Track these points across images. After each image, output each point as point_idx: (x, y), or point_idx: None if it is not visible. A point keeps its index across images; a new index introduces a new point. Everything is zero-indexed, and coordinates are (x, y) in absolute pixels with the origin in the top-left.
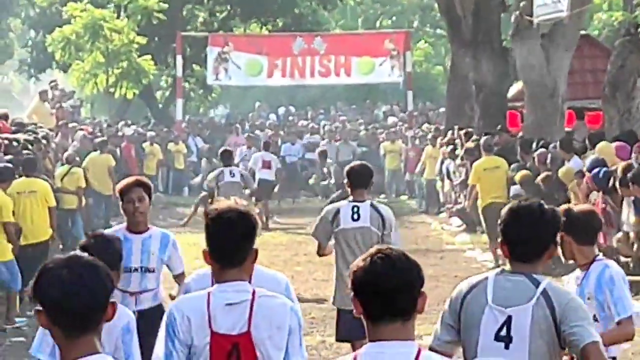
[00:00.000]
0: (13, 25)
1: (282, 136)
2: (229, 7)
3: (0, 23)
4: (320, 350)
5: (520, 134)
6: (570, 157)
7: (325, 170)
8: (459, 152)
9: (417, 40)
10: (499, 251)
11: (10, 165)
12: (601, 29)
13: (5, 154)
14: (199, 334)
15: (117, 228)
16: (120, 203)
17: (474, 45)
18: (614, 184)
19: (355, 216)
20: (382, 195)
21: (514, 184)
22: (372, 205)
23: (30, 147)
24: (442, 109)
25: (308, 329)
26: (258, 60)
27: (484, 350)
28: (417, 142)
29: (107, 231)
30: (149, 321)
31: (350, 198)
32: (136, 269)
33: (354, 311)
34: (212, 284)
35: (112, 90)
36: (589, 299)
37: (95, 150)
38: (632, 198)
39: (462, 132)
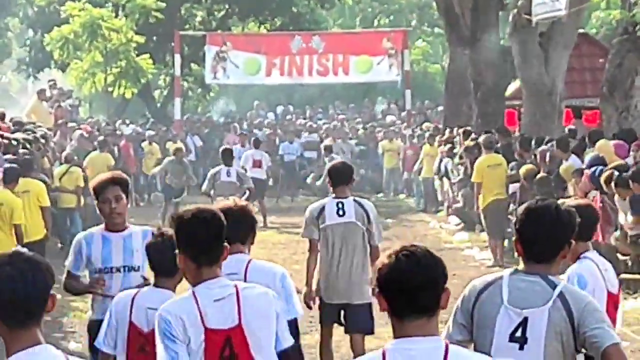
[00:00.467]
0: (11, 24)
1: (280, 135)
2: (227, 6)
3: None
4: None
5: (518, 132)
6: (567, 156)
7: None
8: (457, 150)
9: (415, 38)
10: (501, 250)
11: (15, 165)
12: (599, 28)
13: (4, 153)
14: (194, 332)
15: (94, 230)
16: (95, 202)
17: (472, 44)
18: (608, 184)
19: (341, 212)
20: (380, 194)
21: (512, 182)
22: (355, 200)
23: (28, 146)
24: (440, 108)
25: (307, 328)
26: (256, 59)
27: (498, 351)
28: (415, 140)
29: (83, 232)
30: None
31: (333, 195)
32: (118, 269)
33: (380, 307)
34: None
35: (110, 89)
36: None
37: (94, 150)
38: (628, 198)
39: (460, 131)
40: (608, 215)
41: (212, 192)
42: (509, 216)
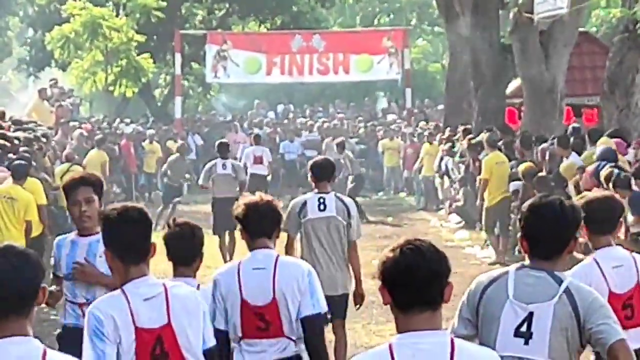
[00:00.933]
0: (12, 23)
1: (281, 134)
2: (227, 5)
3: None
4: None
5: (519, 130)
6: (567, 153)
7: (341, 161)
8: (457, 148)
9: (416, 37)
10: (505, 247)
11: (23, 162)
12: (599, 26)
13: (6, 152)
14: (125, 331)
15: (70, 234)
16: (66, 203)
17: (472, 42)
18: (608, 182)
19: (322, 207)
20: (381, 193)
21: (512, 180)
22: (336, 196)
23: (28, 146)
24: (440, 106)
25: None
26: (257, 58)
27: (503, 345)
28: (415, 139)
29: (61, 236)
30: None
31: (315, 190)
32: None
33: (383, 300)
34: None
35: (111, 88)
36: None
37: (93, 148)
38: (627, 198)
39: (461, 129)
40: None
41: (210, 184)
42: (511, 214)
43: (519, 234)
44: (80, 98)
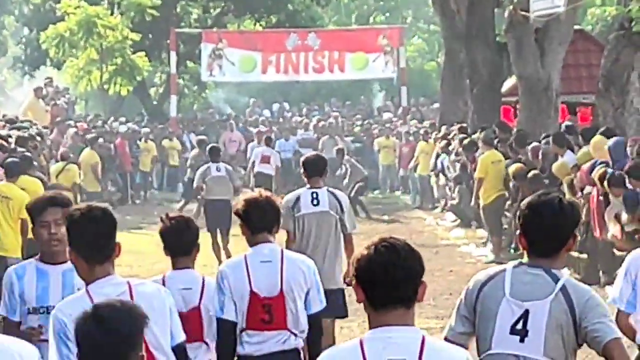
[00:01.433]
0: (7, 22)
1: (276, 132)
2: (222, 4)
3: None
4: None
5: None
6: (563, 151)
7: (343, 167)
8: (453, 147)
9: (411, 35)
10: (499, 246)
11: (17, 159)
12: (594, 24)
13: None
14: None
15: (27, 262)
16: (31, 226)
17: (468, 40)
18: (602, 181)
19: (315, 202)
20: (377, 191)
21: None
22: (329, 191)
23: (23, 145)
24: (436, 105)
25: None
26: (252, 57)
27: (499, 343)
28: (411, 137)
29: (14, 266)
30: None
31: (308, 186)
32: None
33: (357, 298)
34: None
35: (106, 87)
36: None
37: (86, 147)
38: (622, 196)
39: (456, 127)
40: (604, 211)
41: (204, 187)
42: (506, 212)
43: (517, 232)
44: (75, 97)
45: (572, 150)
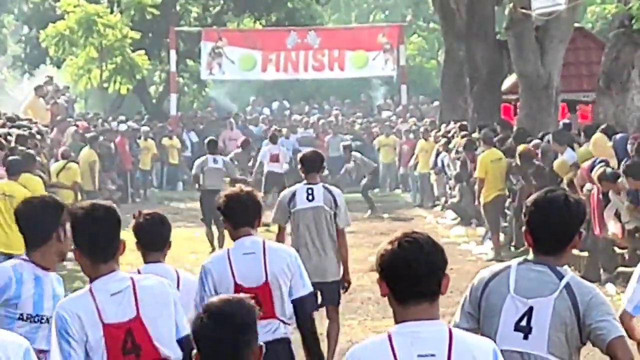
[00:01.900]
0: (6, 21)
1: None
2: (222, 2)
3: None
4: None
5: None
6: (563, 149)
7: (351, 164)
8: (453, 144)
9: (411, 34)
10: (498, 244)
11: (18, 157)
12: (595, 22)
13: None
14: (92, 328)
15: (21, 263)
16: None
17: (468, 38)
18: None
19: (310, 197)
20: (377, 189)
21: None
22: (324, 187)
23: (23, 143)
24: (436, 103)
25: None
26: (252, 55)
27: (503, 339)
28: (411, 135)
29: (10, 263)
30: None
31: (304, 181)
32: (47, 320)
33: (381, 292)
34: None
35: (105, 85)
36: None
37: (85, 146)
38: (624, 191)
39: (456, 125)
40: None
41: (201, 177)
42: (506, 210)
43: (523, 228)
44: (75, 95)
45: (572, 148)
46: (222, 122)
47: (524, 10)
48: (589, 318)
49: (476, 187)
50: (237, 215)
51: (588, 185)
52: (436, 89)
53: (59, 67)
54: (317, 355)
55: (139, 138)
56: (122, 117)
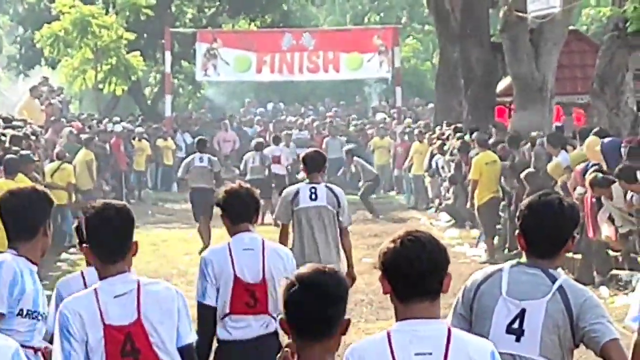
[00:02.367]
0: (1, 21)
1: (271, 132)
2: (217, 3)
3: None
4: None
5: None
6: (557, 152)
7: (353, 169)
8: (447, 147)
9: (405, 36)
10: (492, 246)
11: (15, 157)
12: (589, 25)
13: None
14: (93, 329)
15: (11, 257)
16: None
17: (463, 41)
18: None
19: (313, 196)
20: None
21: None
22: (327, 186)
23: (18, 144)
24: (431, 105)
25: None
26: (247, 56)
27: (495, 342)
28: (405, 137)
29: (9, 257)
30: None
31: (307, 181)
32: (45, 316)
33: (383, 290)
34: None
35: (100, 86)
36: None
37: (81, 147)
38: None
39: (451, 128)
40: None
41: (187, 176)
42: (500, 213)
43: (517, 231)
44: (69, 96)
45: (566, 151)
46: (216, 123)
47: (518, 13)
48: (583, 321)
49: (470, 189)
50: (236, 210)
51: (581, 189)
52: (431, 91)
53: (54, 68)
54: None
55: (134, 139)
56: (117, 118)
